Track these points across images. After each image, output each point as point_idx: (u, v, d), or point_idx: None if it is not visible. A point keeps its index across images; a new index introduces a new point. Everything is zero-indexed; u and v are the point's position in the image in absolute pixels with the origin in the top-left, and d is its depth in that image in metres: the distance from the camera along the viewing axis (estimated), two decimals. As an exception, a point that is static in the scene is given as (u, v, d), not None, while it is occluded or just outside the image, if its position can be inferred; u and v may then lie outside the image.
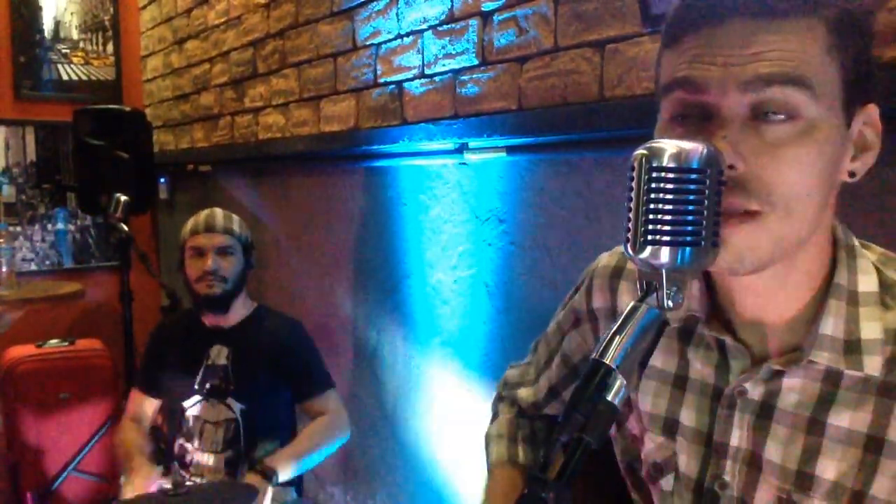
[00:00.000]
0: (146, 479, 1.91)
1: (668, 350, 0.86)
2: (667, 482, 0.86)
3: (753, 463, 0.77)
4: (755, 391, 0.77)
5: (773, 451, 0.76)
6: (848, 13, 0.68)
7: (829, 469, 0.72)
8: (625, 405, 0.91)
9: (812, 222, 0.70)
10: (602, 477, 0.99)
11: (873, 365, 0.71)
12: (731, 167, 0.66)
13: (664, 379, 0.86)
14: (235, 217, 2.16)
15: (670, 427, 0.85)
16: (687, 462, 0.83)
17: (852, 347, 0.72)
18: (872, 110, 0.72)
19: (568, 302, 1.02)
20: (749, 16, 0.66)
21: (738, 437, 0.78)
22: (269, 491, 1.80)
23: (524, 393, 1.09)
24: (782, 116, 0.66)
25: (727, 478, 0.79)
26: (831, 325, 0.72)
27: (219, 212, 2.13)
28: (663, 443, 0.86)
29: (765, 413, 0.76)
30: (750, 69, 0.66)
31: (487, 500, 1.03)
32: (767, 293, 0.75)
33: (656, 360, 0.87)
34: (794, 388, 0.75)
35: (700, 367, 0.82)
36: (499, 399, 1.16)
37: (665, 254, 0.63)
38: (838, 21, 0.67)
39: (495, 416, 1.14)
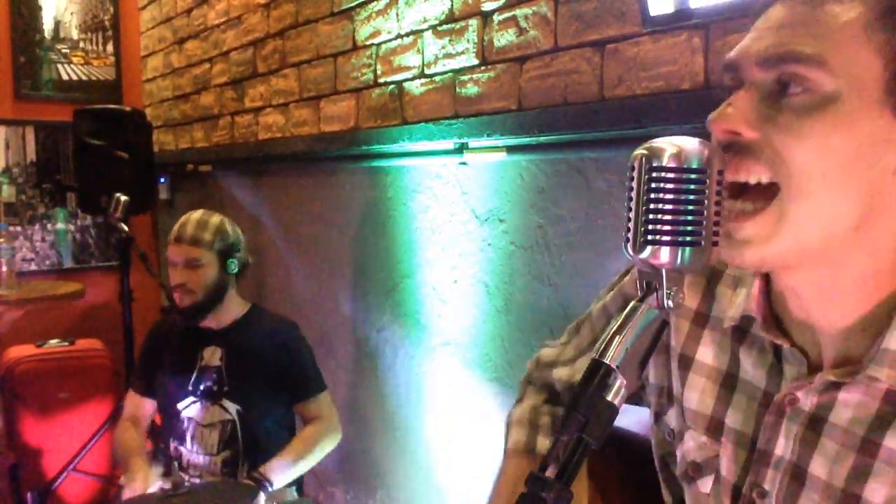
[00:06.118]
0: (146, 480, 1.90)
1: (721, 348, 0.83)
2: (704, 484, 0.83)
3: (797, 476, 0.74)
4: (807, 401, 0.73)
5: (819, 467, 0.72)
6: None
7: (878, 493, 0.68)
8: (665, 397, 0.90)
9: (841, 215, 0.66)
10: (634, 476, 0.98)
11: None
12: (735, 133, 0.65)
13: (713, 377, 0.83)
14: (213, 222, 2.05)
15: (715, 427, 0.82)
16: (728, 465, 0.80)
17: None
18: None
19: (617, 284, 0.99)
20: (792, 1, 0.68)
21: (783, 447, 0.75)
22: (262, 499, 1.80)
23: (560, 373, 1.06)
24: (800, 89, 0.65)
25: (767, 487, 0.76)
26: None
27: (193, 219, 2.05)
28: (706, 443, 0.83)
29: (815, 426, 0.73)
30: (763, 46, 0.67)
31: (497, 486, 1.01)
32: (811, 298, 0.72)
33: (706, 357, 0.84)
34: (850, 404, 0.70)
35: (752, 370, 0.79)
36: (528, 382, 1.12)
37: (665, 254, 0.63)
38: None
39: (520, 399, 1.11)
